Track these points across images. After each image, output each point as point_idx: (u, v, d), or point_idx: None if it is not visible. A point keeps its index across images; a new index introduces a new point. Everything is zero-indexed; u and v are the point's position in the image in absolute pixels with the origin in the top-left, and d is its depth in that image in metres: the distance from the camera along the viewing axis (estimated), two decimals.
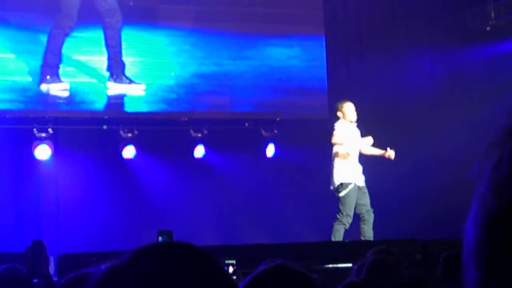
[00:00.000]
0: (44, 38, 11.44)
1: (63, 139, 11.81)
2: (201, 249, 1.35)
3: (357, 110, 10.67)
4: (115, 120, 12.01)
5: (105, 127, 12.00)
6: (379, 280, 3.57)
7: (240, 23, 12.55)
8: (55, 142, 11.68)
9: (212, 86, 12.31)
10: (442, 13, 13.14)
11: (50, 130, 11.59)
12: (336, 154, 10.33)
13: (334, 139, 10.34)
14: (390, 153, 10.54)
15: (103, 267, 1.30)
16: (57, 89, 11.44)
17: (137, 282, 1.27)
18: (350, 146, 10.35)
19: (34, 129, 11.52)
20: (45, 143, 11.53)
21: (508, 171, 0.99)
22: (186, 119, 12.28)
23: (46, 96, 11.45)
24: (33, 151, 11.51)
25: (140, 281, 1.27)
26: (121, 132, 11.93)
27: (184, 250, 1.33)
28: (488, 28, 12.91)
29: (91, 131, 11.96)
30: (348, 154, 10.30)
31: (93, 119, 11.91)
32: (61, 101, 11.58)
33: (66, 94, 11.53)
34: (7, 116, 11.36)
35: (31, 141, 11.54)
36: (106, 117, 11.99)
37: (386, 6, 13.27)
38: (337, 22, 13.18)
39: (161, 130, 12.29)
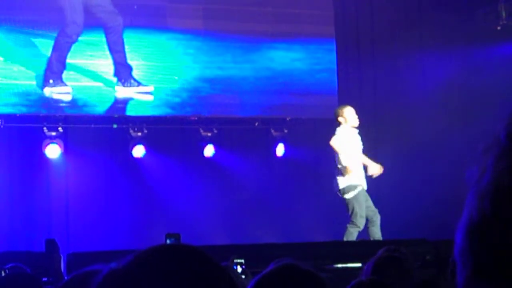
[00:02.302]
0: (47, 42, 11.43)
1: (73, 138, 11.84)
2: (203, 251, 1.35)
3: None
4: (125, 119, 12.02)
5: (115, 126, 12.02)
6: (388, 280, 3.56)
7: (249, 23, 12.52)
8: (65, 140, 11.71)
9: (217, 90, 12.26)
10: (452, 13, 13.09)
11: (60, 129, 11.62)
12: (339, 160, 10.24)
13: (332, 142, 10.20)
14: (375, 171, 10.39)
15: (105, 268, 1.31)
16: (60, 93, 11.43)
17: (138, 285, 1.27)
18: (353, 152, 10.27)
19: (45, 128, 11.55)
20: (56, 142, 11.56)
21: (490, 180, 1.02)
22: (196, 118, 12.29)
23: (49, 100, 11.44)
24: (44, 150, 11.54)
25: (141, 284, 1.27)
26: (131, 131, 11.95)
27: (185, 252, 1.33)
28: (499, 28, 12.86)
29: (101, 130, 11.98)
30: (350, 161, 10.21)
31: (103, 118, 11.92)
32: (64, 104, 11.56)
33: (69, 97, 11.51)
34: (18, 115, 11.40)
35: (42, 140, 11.57)
36: (116, 115, 12.00)
37: (396, 6, 13.24)
38: (347, 23, 13.15)
39: (170, 129, 12.30)
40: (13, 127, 11.52)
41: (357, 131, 10.39)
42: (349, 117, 10.30)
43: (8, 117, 11.37)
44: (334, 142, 10.21)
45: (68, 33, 11.37)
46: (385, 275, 4.03)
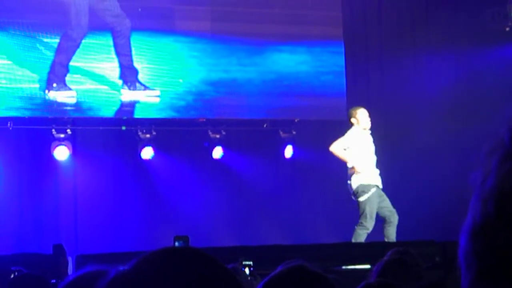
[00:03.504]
0: (51, 45, 11.39)
1: (82, 140, 11.85)
2: (208, 253, 1.35)
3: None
4: (134, 121, 12.03)
5: (123, 128, 12.03)
6: (396, 282, 3.55)
7: (254, 25, 12.48)
8: (74, 142, 11.72)
9: (221, 93, 12.22)
10: (461, 14, 13.07)
11: (68, 131, 11.64)
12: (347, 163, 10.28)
13: (331, 147, 10.26)
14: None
15: (110, 271, 1.31)
16: (64, 97, 11.41)
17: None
18: (364, 153, 10.27)
19: (53, 130, 11.57)
20: (64, 144, 11.57)
21: (494, 183, 1.03)
22: (205, 120, 12.28)
23: (53, 103, 11.41)
24: (52, 152, 11.56)
25: (147, 287, 1.28)
26: (140, 133, 11.95)
27: (189, 255, 1.33)
28: (507, 29, 12.84)
29: (109, 132, 11.99)
30: (359, 161, 10.22)
31: (112, 120, 11.93)
32: (68, 108, 11.53)
33: (73, 101, 11.48)
34: (26, 117, 11.41)
35: (50, 142, 11.59)
36: (124, 117, 12.01)
37: (404, 8, 13.23)
38: (355, 25, 13.14)
39: (179, 131, 12.30)
40: (22, 129, 11.54)
41: (369, 132, 10.39)
42: (361, 119, 10.32)
43: (16, 119, 11.38)
44: (334, 148, 10.24)
45: (72, 37, 11.34)
46: (393, 278, 4.02)
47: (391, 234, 10.17)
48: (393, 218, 10.20)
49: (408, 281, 4.17)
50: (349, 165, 10.23)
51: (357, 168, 10.15)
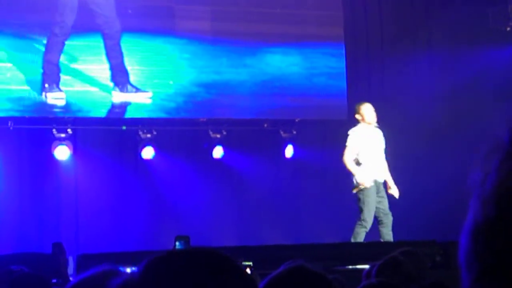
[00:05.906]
0: (41, 47, 11.38)
1: (82, 140, 11.85)
2: (220, 253, 1.34)
3: (376, 112, 10.57)
4: (134, 120, 12.02)
5: (124, 127, 12.02)
6: (396, 282, 3.55)
7: (247, 26, 12.42)
8: (75, 142, 11.72)
9: (212, 94, 12.17)
10: (461, 14, 13.07)
11: (69, 131, 11.63)
12: (356, 161, 10.26)
13: (344, 157, 10.21)
14: (393, 193, 10.35)
15: (117, 277, 1.30)
16: (53, 98, 11.35)
17: None
18: (369, 149, 10.25)
19: (54, 130, 11.56)
20: (65, 144, 11.57)
21: (494, 183, 1.04)
22: (205, 119, 12.27)
23: (43, 105, 11.37)
24: (53, 152, 11.56)
25: None
26: (140, 132, 11.95)
27: (201, 257, 1.32)
28: (508, 29, 12.83)
29: (110, 131, 11.99)
30: (365, 161, 10.20)
31: (113, 120, 11.93)
32: (58, 110, 11.45)
33: (62, 103, 11.43)
34: (27, 117, 11.40)
35: (51, 141, 11.59)
36: (125, 117, 11.99)
37: (405, 6, 13.22)
38: (356, 25, 13.14)
39: (180, 131, 12.30)
40: (22, 129, 11.54)
41: (376, 127, 10.34)
42: (366, 114, 10.26)
43: (17, 119, 11.38)
44: (345, 159, 10.20)
45: (58, 34, 11.27)
46: (390, 277, 4.02)
47: (385, 234, 10.15)
48: (386, 219, 10.16)
49: (407, 281, 4.16)
50: (357, 177, 10.21)
51: (363, 182, 10.13)
